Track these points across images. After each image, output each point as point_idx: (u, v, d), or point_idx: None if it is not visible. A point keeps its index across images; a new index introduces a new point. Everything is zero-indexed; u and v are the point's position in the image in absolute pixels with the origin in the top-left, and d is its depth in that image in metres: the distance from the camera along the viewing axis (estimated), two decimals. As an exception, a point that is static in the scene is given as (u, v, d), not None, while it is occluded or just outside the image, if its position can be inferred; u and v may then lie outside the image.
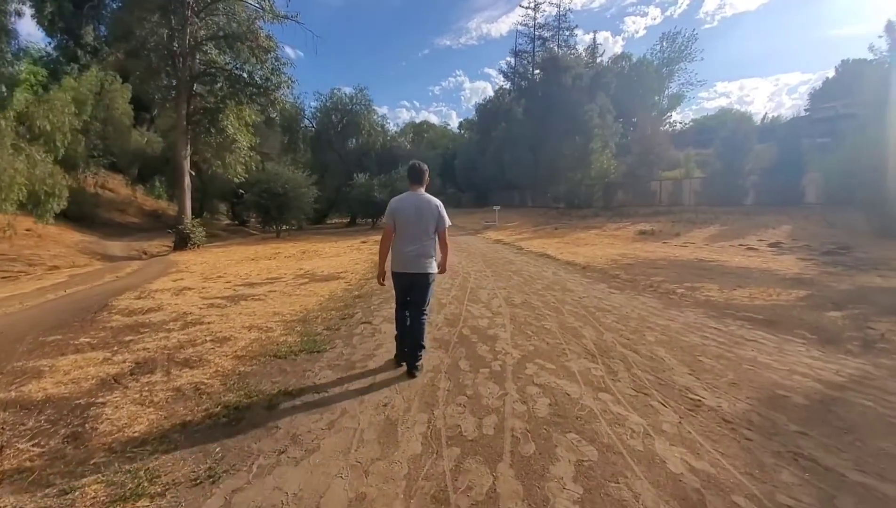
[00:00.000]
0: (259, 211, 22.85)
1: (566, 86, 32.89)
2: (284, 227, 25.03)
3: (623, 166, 28.25)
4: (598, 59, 44.16)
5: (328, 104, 33.14)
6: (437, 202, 3.70)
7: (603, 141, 31.10)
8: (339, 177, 32.51)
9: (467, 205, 47.65)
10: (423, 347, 3.75)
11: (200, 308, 6.32)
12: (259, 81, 15.74)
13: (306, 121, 34.24)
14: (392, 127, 37.43)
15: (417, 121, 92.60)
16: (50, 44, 32.99)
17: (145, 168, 29.50)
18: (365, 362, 4.00)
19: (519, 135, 34.98)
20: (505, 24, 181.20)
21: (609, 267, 9.89)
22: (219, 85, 15.55)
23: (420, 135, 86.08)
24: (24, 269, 14.03)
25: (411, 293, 3.73)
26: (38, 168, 10.41)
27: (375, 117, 35.66)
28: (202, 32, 14.92)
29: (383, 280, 3.95)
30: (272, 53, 15.50)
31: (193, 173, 17.58)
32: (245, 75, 15.56)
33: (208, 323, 5.43)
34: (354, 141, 33.33)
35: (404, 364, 3.76)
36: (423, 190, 3.75)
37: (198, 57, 15.22)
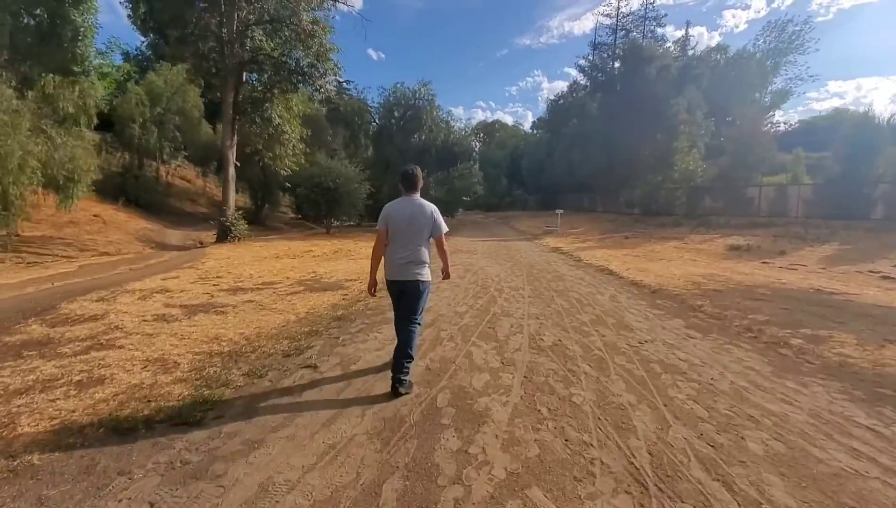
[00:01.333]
0: (310, 205, 22.34)
1: (649, 78, 29.55)
2: (336, 223, 24.39)
3: (713, 169, 24.58)
4: (690, 53, 39.68)
5: (391, 99, 32.39)
6: (433, 208, 3.55)
7: (690, 139, 27.46)
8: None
9: (533, 208, 45.17)
10: (412, 358, 3.48)
11: (144, 320, 5.14)
12: (304, 68, 14.93)
13: (369, 116, 33.68)
14: (457, 123, 35.84)
15: (489, 121, 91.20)
16: (143, 42, 35.52)
17: (215, 159, 30.36)
18: (216, 465, 2.41)
19: (592, 133, 32.09)
20: (588, 22, 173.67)
21: (689, 292, 7.60)
22: (266, 74, 14.94)
23: (491, 135, 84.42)
24: (71, 254, 14.23)
25: (401, 302, 3.55)
26: (58, 151, 10.11)
27: (438, 112, 34.42)
28: (251, 17, 14.33)
29: (375, 290, 3.71)
30: (317, 39, 14.63)
31: (238, 164, 17.22)
32: (291, 62, 14.82)
33: (119, 347, 4.17)
34: (415, 137, 32.27)
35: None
36: (417, 195, 3.58)
37: (246, 43, 14.65)
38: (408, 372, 3.43)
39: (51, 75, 11.28)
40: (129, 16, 32.45)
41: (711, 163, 25.36)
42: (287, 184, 23.84)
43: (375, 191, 31.40)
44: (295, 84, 15.33)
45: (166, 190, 29.64)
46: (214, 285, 7.40)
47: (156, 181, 27.56)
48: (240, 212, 17.12)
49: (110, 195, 23.70)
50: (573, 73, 37.13)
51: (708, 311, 6.26)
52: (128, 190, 24.24)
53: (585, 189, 35.51)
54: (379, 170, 33.41)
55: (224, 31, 14.36)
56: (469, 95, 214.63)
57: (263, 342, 4.41)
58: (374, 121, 33.94)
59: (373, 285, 3.67)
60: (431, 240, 3.60)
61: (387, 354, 3.98)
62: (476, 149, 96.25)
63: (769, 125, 42.55)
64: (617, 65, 34.16)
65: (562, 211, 22.66)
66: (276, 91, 15.38)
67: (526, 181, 47.30)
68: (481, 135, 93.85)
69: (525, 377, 3.66)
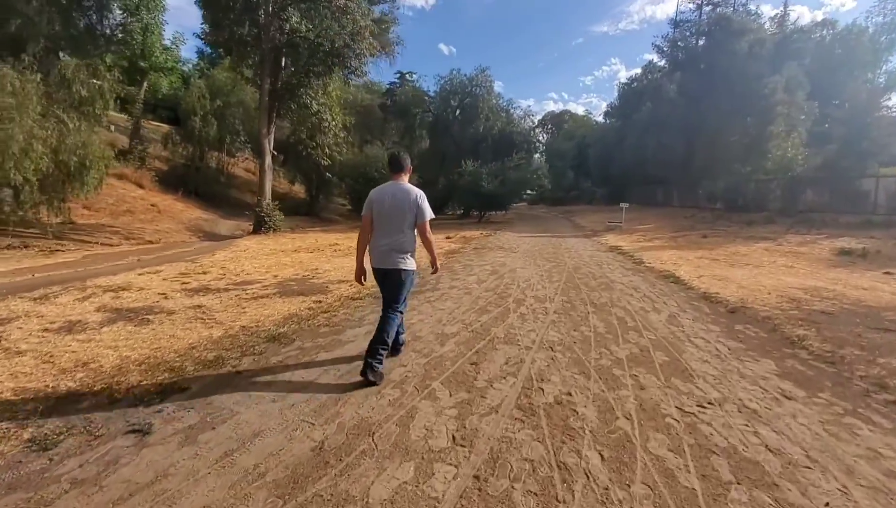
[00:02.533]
0: (354, 196, 21.62)
1: (740, 54, 25.78)
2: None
3: (816, 158, 20.73)
4: (790, 27, 34.38)
5: (447, 87, 30.99)
6: (418, 193, 3.36)
7: (788, 123, 23.51)
8: (454, 166, 30.33)
9: (600, 202, 41.89)
10: (387, 345, 3.29)
11: (46, 330, 4.25)
12: (338, 49, 13.97)
13: (425, 106, 32.53)
14: (516, 110, 33.67)
15: (558, 112, 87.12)
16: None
17: (278, 152, 30.75)
18: None
19: (668, 118, 28.68)
20: (672, 5, 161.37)
21: (784, 313, 5.56)
22: (302, 58, 14.18)
23: (559, 126, 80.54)
24: (114, 242, 14.44)
25: (384, 289, 3.43)
26: (70, 137, 9.85)
27: (497, 101, 32.55)
28: (287, -2, 13.61)
29: (364, 279, 3.55)
30: (350, 16, 13.60)
31: (276, 153, 16.82)
32: (326, 44, 13.93)
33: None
34: (472, 126, 30.67)
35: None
36: (404, 180, 3.45)
37: (283, 26, 13.95)
38: (381, 360, 3.25)
39: (67, 58, 11.21)
40: (203, 15, 33.83)
41: (814, 152, 21.42)
42: (329, 175, 23.25)
43: (428, 182, 30.42)
44: (329, 66, 14.46)
45: (228, 181, 30.56)
46: (184, 283, 6.50)
47: (217, 172, 28.39)
48: (276, 204, 16.66)
49: (173, 186, 24.66)
50: (656, 59, 33.19)
51: (814, 348, 4.29)
52: (188, 181, 25.02)
53: (659, 181, 32.01)
54: (434, 162, 32.34)
55: (261, 13, 13.77)
56: (540, 87, 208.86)
57: (133, 375, 3.22)
58: (431, 112, 32.77)
59: (360, 273, 3.54)
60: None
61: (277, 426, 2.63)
62: (542, 141, 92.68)
63: (885, 109, 35.92)
64: (701, 42, 30.24)
65: (627, 204, 20.11)
66: (311, 76, 14.61)
67: (592, 173, 43.92)
68: (549, 126, 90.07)
69: (475, 480, 2.14)
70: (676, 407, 2.96)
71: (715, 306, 6.02)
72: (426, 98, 32.74)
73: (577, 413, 2.82)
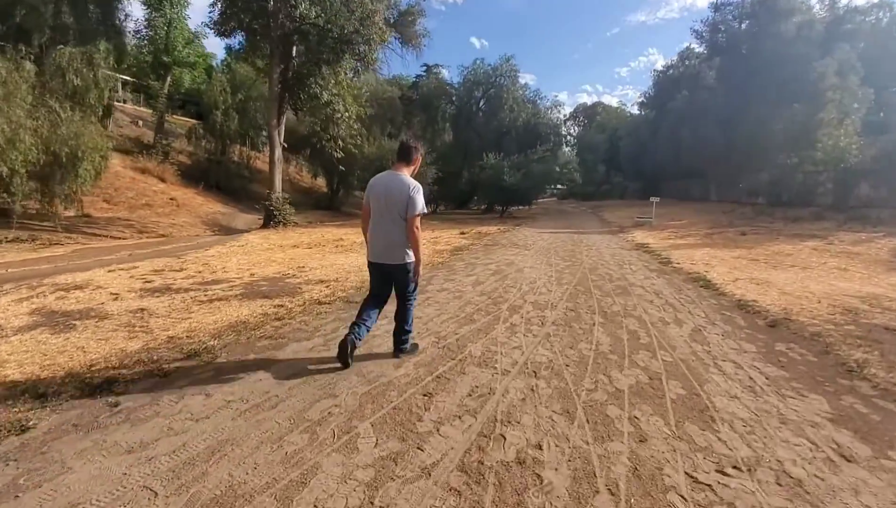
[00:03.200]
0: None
1: (786, 36, 23.79)
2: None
3: (871, 149, 18.77)
4: (842, 7, 31.61)
5: (471, 77, 29.96)
6: (412, 184, 3.20)
7: (841, 110, 21.46)
8: (478, 159, 29.41)
9: (632, 197, 40.05)
10: (407, 331, 3.48)
11: None
12: (347, 35, 13.31)
13: (448, 98, 31.59)
14: (543, 101, 32.28)
15: (590, 104, 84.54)
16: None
17: (301, 145, 30.59)
18: None
19: (706, 106, 26.89)
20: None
21: (837, 329, 4.55)
22: (311, 46, 13.59)
23: (591, 119, 78.01)
24: (125, 235, 14.36)
25: (385, 286, 3.44)
26: (62, 127, 9.57)
27: (524, 91, 31.30)
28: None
29: None
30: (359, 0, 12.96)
31: (286, 145, 16.42)
32: (336, 30, 13.29)
33: None
34: (496, 118, 29.58)
35: (346, 360, 3.21)
36: (405, 170, 3.30)
37: (291, 13, 13.41)
38: (406, 341, 3.49)
39: (62, 46, 11.01)
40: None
41: (870, 141, 19.41)
42: (342, 168, 22.72)
43: (450, 176, 29.61)
44: (338, 53, 13.85)
45: (252, 175, 30.61)
46: (148, 282, 5.98)
47: (239, 166, 28.43)
48: (287, 197, 16.26)
49: (195, 180, 24.78)
50: (692, 45, 30.96)
51: (879, 379, 3.33)
52: (210, 175, 25.08)
53: (695, 174, 30.15)
54: (458, 155, 31.45)
55: (269, 0, 13.29)
56: (573, 79, 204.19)
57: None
58: (454, 103, 31.86)
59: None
60: None
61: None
62: (573, 134, 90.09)
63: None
64: (744, 25, 28.14)
65: (658, 199, 18.74)
66: (322, 64, 14.04)
67: (624, 166, 42.01)
68: (581, 119, 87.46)
69: None
70: (687, 472, 2.13)
71: (751, 318, 5.05)
72: (450, 89, 31.82)
73: (541, 481, 2.02)
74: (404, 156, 3.33)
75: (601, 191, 53.13)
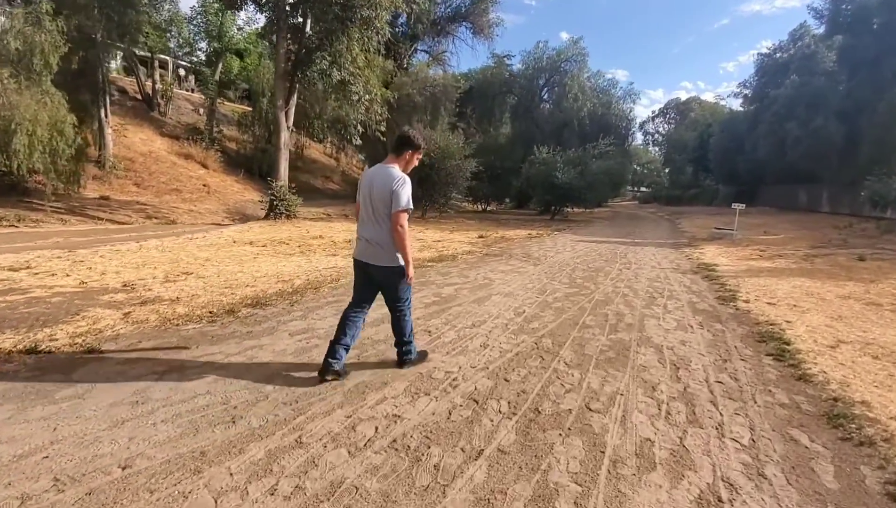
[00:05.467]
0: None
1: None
2: (446, 205, 20.58)
3: None
4: None
5: (531, 63, 26.91)
6: (399, 177, 2.89)
7: None
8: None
9: (723, 203, 34.48)
10: (405, 342, 3.22)
11: None
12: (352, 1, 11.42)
13: (507, 87, 28.77)
14: (615, 89, 28.37)
15: (683, 99, 76.48)
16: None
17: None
18: None
19: (822, 94, 21.80)
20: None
21: None
22: (317, 11, 11.92)
23: (684, 115, 70.44)
24: (132, 220, 13.77)
25: (366, 289, 3.14)
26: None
27: (596, 80, 27.72)
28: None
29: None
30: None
31: (294, 130, 15.00)
32: (341, -3, 11.48)
33: None
34: (558, 108, 26.35)
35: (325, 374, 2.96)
36: (395, 163, 3.00)
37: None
38: (406, 353, 3.23)
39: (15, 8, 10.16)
40: None
41: None
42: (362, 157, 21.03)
43: (504, 173, 26.95)
44: (343, 22, 11.99)
45: (305, 165, 30.15)
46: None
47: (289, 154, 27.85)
48: (293, 187, 14.82)
49: (241, 166, 24.56)
50: (808, 22, 25.40)
51: None
52: (254, 162, 24.70)
53: (803, 178, 24.80)
54: (516, 150, 28.68)
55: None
56: (671, 76, 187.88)
57: None
58: (513, 93, 29.02)
59: None
60: None
61: None
62: (661, 132, 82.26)
63: None
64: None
65: (742, 206, 14.81)
66: (332, 37, 12.30)
67: (714, 166, 36.38)
68: (671, 115, 79.52)
69: None
70: None
71: (862, 456, 2.33)
72: (509, 77, 28.98)
73: None
74: (395, 148, 3.08)
75: (688, 195, 47.15)
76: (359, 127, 15.28)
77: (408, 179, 2.93)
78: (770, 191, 29.76)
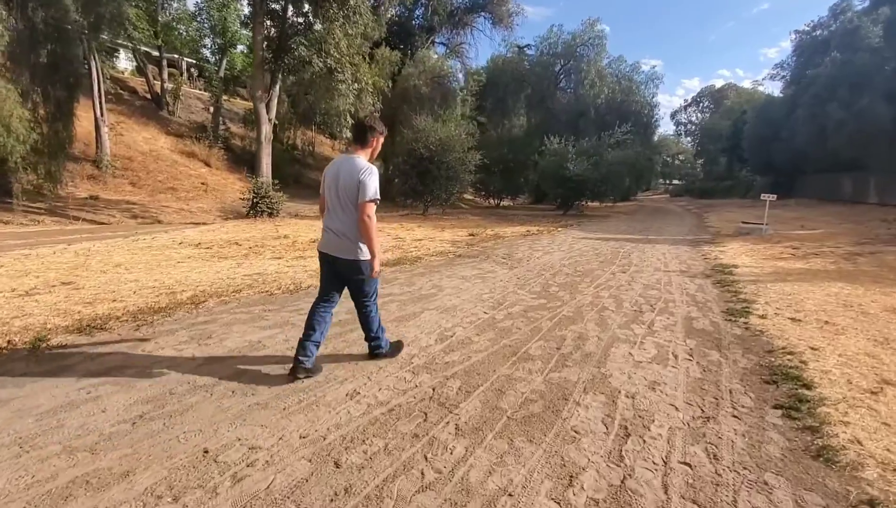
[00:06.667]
0: (403, 179, 18.06)
1: None
2: (448, 200, 19.36)
3: None
4: None
5: (545, 49, 25.33)
6: (366, 167, 2.78)
7: None
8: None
9: (758, 195, 31.98)
10: (375, 338, 3.14)
11: None
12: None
13: (521, 76, 27.26)
14: (637, 74, 26.38)
15: (718, 87, 72.70)
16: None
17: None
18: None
19: (867, 72, 19.53)
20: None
21: None
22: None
23: (719, 103, 66.88)
24: (115, 220, 13.27)
25: (332, 283, 2.99)
26: None
27: (617, 65, 25.90)
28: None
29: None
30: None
31: (276, 123, 14.16)
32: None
33: None
34: (575, 95, 24.73)
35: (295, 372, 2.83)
36: (360, 153, 2.87)
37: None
38: (377, 347, 3.16)
39: None
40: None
41: None
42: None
43: (518, 167, 25.63)
44: (318, 4, 11.01)
45: (316, 162, 29.53)
46: None
47: (293, 151, 27.34)
48: (277, 184, 14.00)
49: (245, 164, 24.06)
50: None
51: None
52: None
53: (847, 166, 22.45)
54: (530, 142, 27.27)
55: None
56: (709, 64, 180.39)
57: None
58: (526, 81, 27.50)
59: None
60: None
61: None
62: (694, 121, 78.41)
63: None
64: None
65: (773, 196, 13.05)
66: (308, 20, 11.39)
67: (749, 155, 33.78)
68: (706, 103, 75.73)
69: None
70: None
71: None
72: (520, 65, 27.44)
73: None
74: (358, 138, 2.92)
75: (722, 186, 44.36)
76: (348, 118, 14.34)
77: (375, 169, 2.81)
78: (810, 181, 27.30)
